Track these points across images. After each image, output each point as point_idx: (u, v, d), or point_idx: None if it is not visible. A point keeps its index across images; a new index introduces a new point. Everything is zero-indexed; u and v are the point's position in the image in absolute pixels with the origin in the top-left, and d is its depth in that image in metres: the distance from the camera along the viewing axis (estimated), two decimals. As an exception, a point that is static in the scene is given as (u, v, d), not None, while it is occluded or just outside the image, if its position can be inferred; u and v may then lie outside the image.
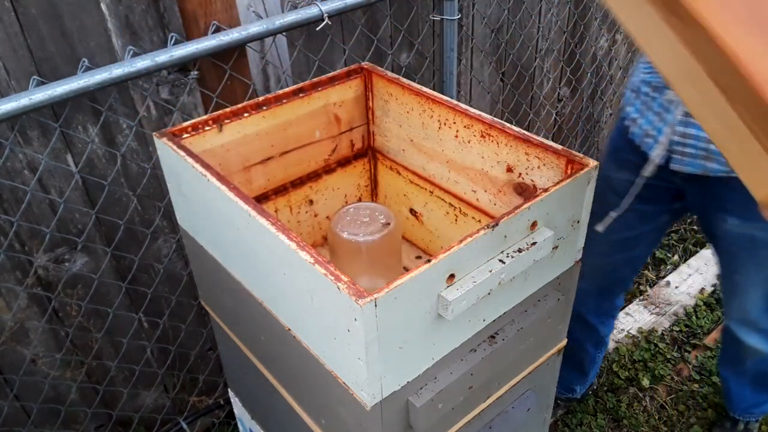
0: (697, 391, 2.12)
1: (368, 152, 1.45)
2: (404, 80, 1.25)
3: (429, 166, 1.31)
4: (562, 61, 2.44)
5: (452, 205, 1.31)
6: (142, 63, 1.25)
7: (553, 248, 0.99)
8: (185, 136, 1.11)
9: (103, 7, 1.29)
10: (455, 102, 1.19)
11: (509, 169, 1.13)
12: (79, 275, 1.50)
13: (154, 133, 1.09)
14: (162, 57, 1.26)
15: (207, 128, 1.14)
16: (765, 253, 1.38)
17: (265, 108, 1.20)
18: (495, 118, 1.13)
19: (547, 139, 1.16)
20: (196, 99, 1.50)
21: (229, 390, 1.58)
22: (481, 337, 1.01)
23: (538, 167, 1.08)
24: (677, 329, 2.35)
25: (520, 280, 0.97)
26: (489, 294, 0.89)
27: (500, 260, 0.89)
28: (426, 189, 1.36)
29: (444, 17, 1.80)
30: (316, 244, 1.47)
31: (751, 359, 1.67)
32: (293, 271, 0.87)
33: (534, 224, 0.93)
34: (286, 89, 1.23)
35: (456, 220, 1.32)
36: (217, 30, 1.35)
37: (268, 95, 1.21)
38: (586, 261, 1.21)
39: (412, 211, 1.43)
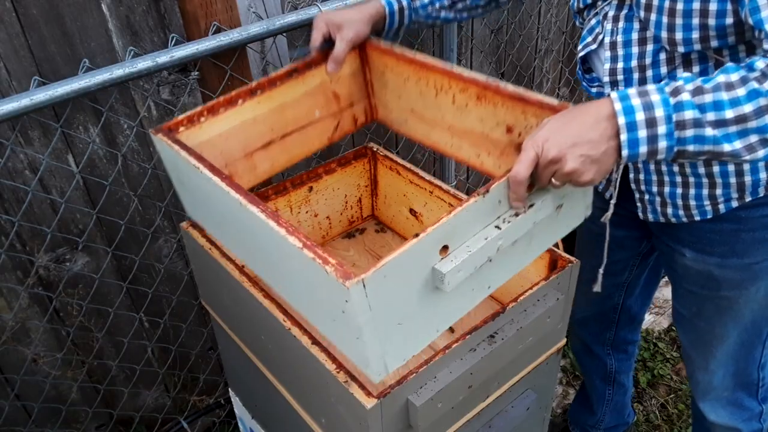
0: (696, 391, 2.13)
1: (368, 152, 1.46)
2: (397, 49, 1.18)
3: (432, 134, 1.25)
4: (561, 61, 2.45)
5: (452, 205, 1.32)
6: (143, 63, 1.25)
7: (557, 207, 0.93)
8: (181, 129, 1.09)
9: (104, 7, 1.29)
10: (449, 66, 1.13)
11: (509, 130, 1.08)
12: (80, 275, 1.51)
13: (150, 130, 1.08)
14: (163, 57, 1.27)
15: (203, 119, 1.11)
16: (727, 300, 1.27)
17: (259, 92, 1.16)
18: (490, 78, 1.06)
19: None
20: (197, 99, 1.50)
21: (229, 389, 1.58)
22: (481, 336, 1.01)
23: (537, 125, 1.00)
24: (676, 329, 2.35)
25: (524, 243, 0.93)
26: (490, 261, 0.86)
27: (496, 226, 0.86)
28: (426, 189, 1.36)
29: (444, 18, 1.80)
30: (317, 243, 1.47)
31: None
32: (287, 257, 0.85)
33: (531, 186, 0.87)
34: (279, 71, 1.18)
35: (456, 220, 1.32)
36: (218, 31, 1.35)
37: (261, 79, 1.17)
38: (579, 288, 1.19)
39: (412, 211, 1.43)
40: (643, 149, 0.82)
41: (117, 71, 1.23)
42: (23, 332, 1.49)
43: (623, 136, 0.81)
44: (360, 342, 0.80)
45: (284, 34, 1.53)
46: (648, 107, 0.80)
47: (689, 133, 0.81)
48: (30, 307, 1.47)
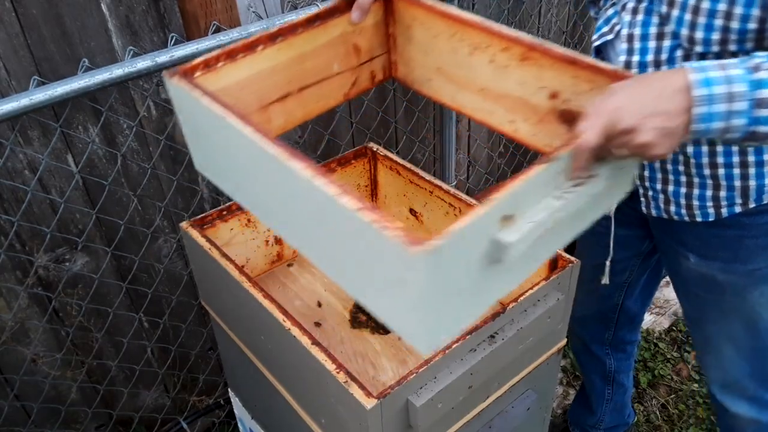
0: (697, 391, 2.13)
1: (368, 152, 1.46)
2: (428, 0, 1.10)
3: (459, 96, 1.18)
4: (561, 61, 2.44)
5: (452, 205, 1.32)
6: (143, 63, 1.25)
7: (609, 179, 0.88)
8: (197, 74, 1.00)
9: (104, 7, 1.29)
10: (489, 23, 1.05)
11: (553, 96, 1.01)
12: (80, 275, 1.51)
13: (164, 73, 0.98)
14: (162, 57, 1.27)
15: (220, 64, 1.02)
16: (732, 304, 1.28)
17: (280, 39, 1.08)
18: (536, 39, 1.00)
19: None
20: (197, 99, 1.50)
21: (229, 390, 1.58)
22: (481, 337, 1.01)
23: (590, 90, 0.95)
24: (677, 329, 2.35)
25: (577, 215, 0.88)
26: (544, 234, 0.81)
27: (557, 197, 0.80)
28: (426, 189, 1.36)
29: (444, 17, 1.80)
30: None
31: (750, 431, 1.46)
32: (333, 220, 0.78)
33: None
34: (301, 17, 1.12)
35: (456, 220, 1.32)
36: (218, 30, 1.35)
37: (283, 24, 1.10)
38: (579, 287, 1.18)
39: (412, 211, 1.43)
40: (718, 125, 0.77)
41: (116, 71, 1.23)
42: (22, 332, 1.49)
43: (699, 110, 0.76)
44: (414, 314, 0.75)
45: (284, 33, 1.53)
46: (728, 80, 0.76)
47: (766, 112, 0.76)
48: (29, 307, 1.47)
